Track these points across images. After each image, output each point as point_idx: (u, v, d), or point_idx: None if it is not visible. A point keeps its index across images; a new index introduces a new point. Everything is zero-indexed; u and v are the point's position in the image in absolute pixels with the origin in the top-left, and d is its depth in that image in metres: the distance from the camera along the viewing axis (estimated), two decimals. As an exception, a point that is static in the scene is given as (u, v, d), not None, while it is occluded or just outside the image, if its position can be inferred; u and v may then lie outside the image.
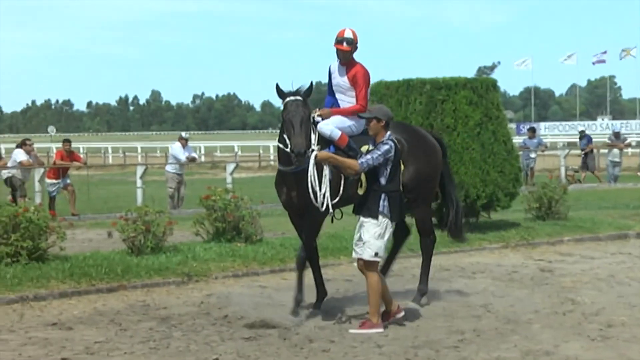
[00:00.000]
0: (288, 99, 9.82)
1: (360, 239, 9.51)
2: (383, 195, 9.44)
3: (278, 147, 10.04)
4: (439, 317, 10.23)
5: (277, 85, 9.89)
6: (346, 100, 10.51)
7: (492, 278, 12.84)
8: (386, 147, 9.42)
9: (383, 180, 9.45)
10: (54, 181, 22.59)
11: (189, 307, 11.05)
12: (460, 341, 9.12)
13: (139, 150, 66.76)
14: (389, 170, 9.44)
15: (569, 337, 9.23)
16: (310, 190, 9.84)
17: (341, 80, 10.51)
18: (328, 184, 9.88)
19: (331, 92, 10.67)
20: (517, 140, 31.68)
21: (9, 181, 21.86)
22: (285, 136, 9.79)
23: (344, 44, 10.37)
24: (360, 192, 9.56)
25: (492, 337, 9.29)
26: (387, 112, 9.68)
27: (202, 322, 10.14)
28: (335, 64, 10.63)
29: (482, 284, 12.32)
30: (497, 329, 9.65)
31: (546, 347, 8.80)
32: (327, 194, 9.86)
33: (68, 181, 23.11)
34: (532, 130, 32.14)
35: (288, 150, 9.69)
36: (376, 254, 9.46)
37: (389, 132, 9.58)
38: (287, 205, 10.31)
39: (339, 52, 10.47)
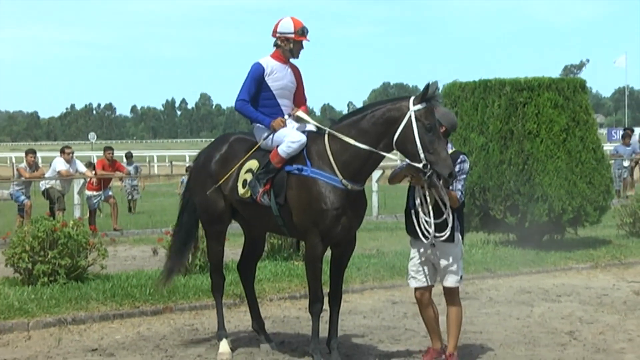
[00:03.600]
0: (431, 103, 8.59)
1: (438, 265, 9.09)
2: (456, 214, 9.13)
3: (365, 154, 8.79)
4: (519, 345, 10.16)
5: (429, 85, 8.53)
6: (289, 105, 9.57)
7: (580, 302, 12.74)
8: (467, 165, 9.00)
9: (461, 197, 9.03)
10: (95, 193, 22.89)
11: (241, 332, 11.12)
12: (543, 372, 9.09)
13: (187, 159, 67.26)
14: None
15: (666, 369, 9.14)
16: (448, 218, 8.77)
17: (289, 82, 9.50)
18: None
19: (270, 97, 9.44)
20: (608, 147, 31.31)
21: (46, 193, 22.03)
22: (418, 149, 8.51)
23: (307, 36, 9.40)
24: None
25: (579, 368, 9.22)
26: (452, 119, 9.17)
27: (256, 348, 10.18)
28: (270, 61, 9.45)
29: (567, 309, 12.22)
30: (585, 359, 9.56)
31: (640, 380, 8.73)
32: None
33: (110, 193, 23.41)
34: (627, 137, 31.56)
35: (420, 165, 8.48)
36: (461, 278, 9.24)
37: (450, 143, 9.10)
38: (341, 232, 9.04)
39: (299, 47, 9.43)
